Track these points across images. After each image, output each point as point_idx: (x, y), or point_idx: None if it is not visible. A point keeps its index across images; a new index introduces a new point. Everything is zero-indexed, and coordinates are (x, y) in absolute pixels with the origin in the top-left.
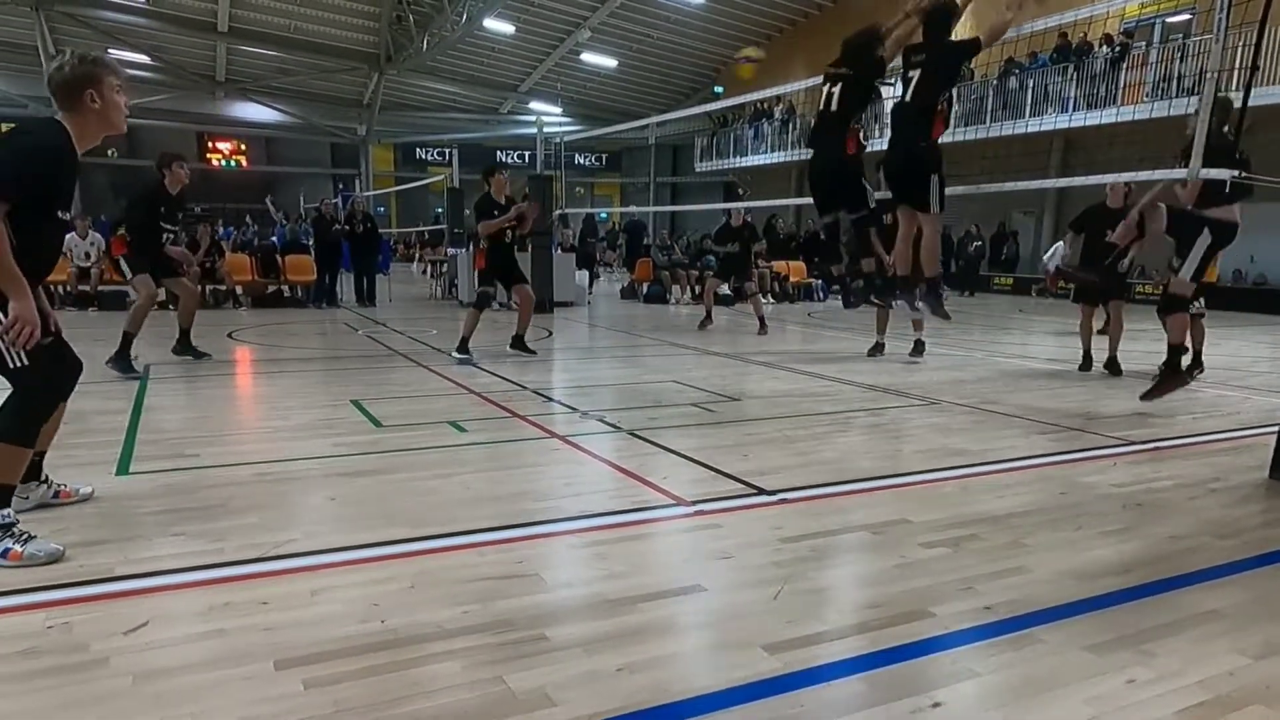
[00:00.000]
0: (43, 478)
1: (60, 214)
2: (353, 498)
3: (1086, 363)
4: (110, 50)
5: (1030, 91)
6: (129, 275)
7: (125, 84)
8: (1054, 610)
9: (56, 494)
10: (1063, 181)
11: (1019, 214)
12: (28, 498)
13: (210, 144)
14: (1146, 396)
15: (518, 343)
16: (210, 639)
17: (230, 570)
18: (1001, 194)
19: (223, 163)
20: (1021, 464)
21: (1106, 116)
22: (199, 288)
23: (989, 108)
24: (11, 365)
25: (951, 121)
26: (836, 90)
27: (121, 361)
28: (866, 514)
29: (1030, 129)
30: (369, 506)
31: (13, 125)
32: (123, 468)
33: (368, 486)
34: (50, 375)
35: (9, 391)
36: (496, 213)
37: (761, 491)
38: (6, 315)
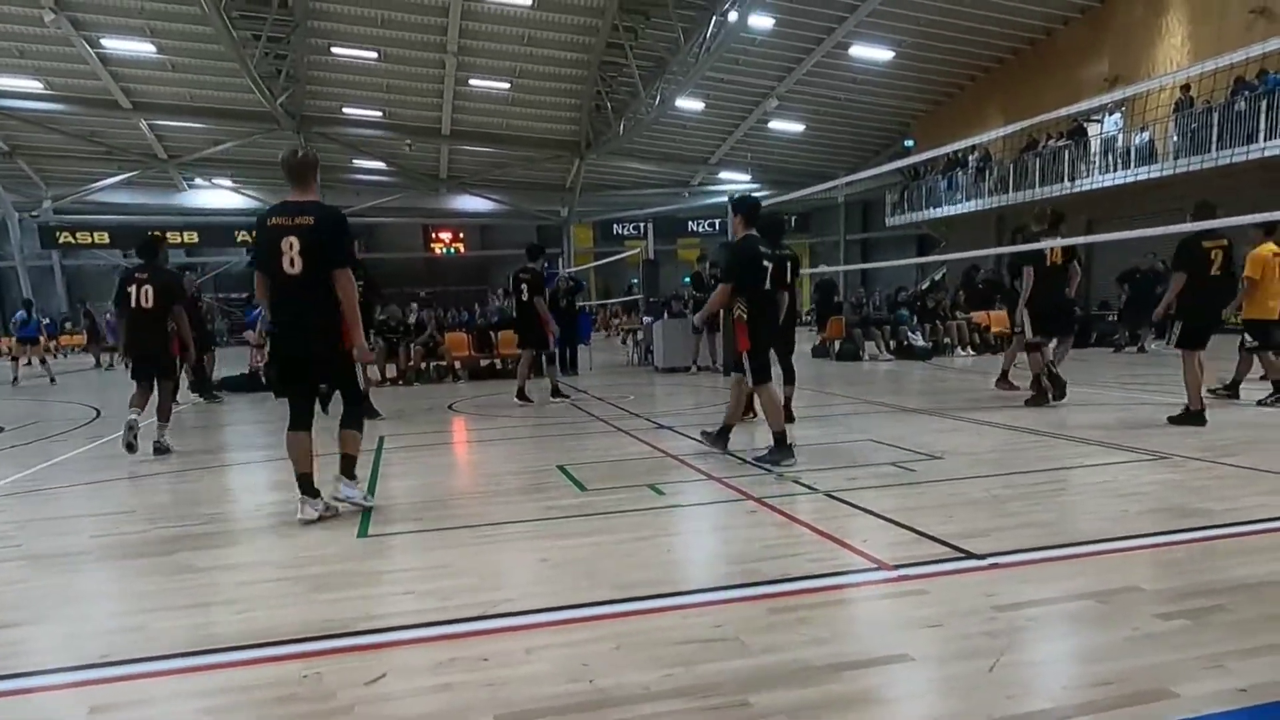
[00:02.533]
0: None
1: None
2: (561, 559)
3: None
4: (353, 159)
5: (1264, 114)
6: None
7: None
8: None
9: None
10: None
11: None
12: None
13: (434, 234)
14: None
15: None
16: (439, 693)
17: (454, 628)
18: (1227, 228)
19: (444, 250)
20: (1274, 525)
21: None
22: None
23: (1213, 135)
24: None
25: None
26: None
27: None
28: (1090, 581)
29: (1268, 153)
30: (576, 568)
31: (330, 215)
32: (363, 530)
33: (575, 548)
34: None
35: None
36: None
37: (970, 555)
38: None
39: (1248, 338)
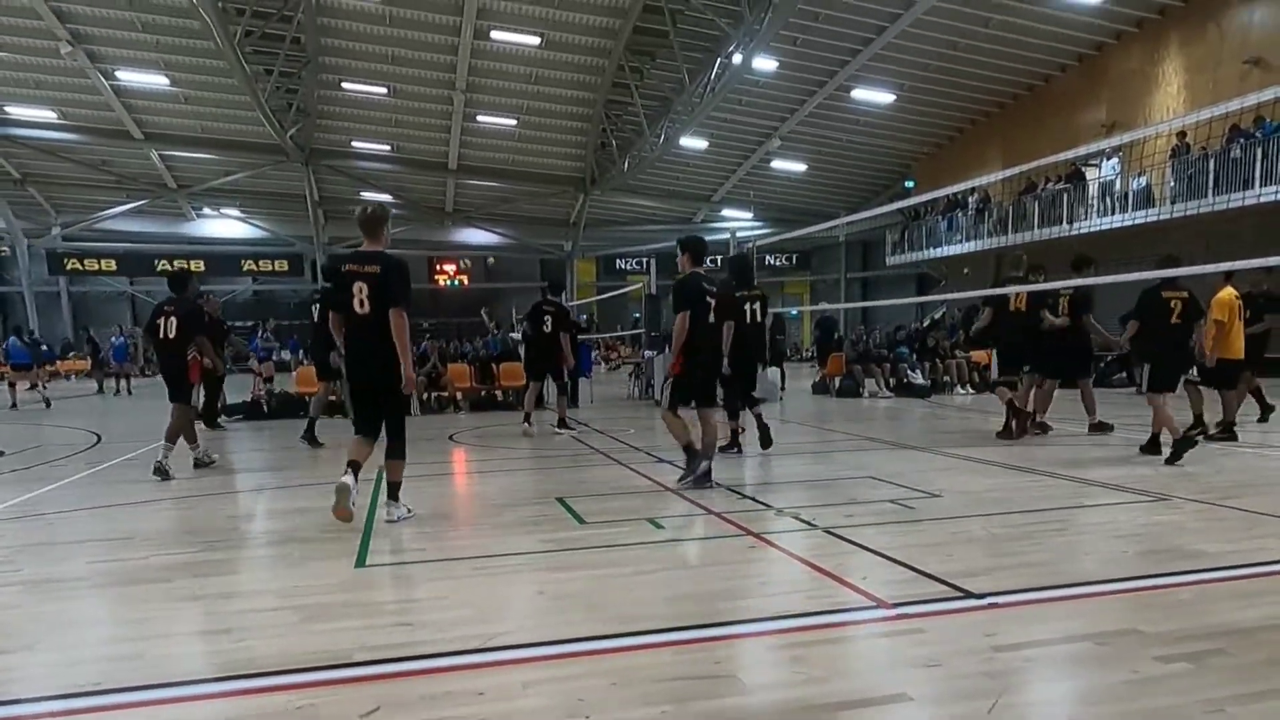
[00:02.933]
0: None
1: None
2: (559, 592)
3: None
4: (361, 192)
5: (1259, 162)
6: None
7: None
8: None
9: (409, 511)
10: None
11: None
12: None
13: (438, 266)
14: None
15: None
16: None
17: (450, 660)
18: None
19: (448, 282)
20: (1274, 569)
21: None
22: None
23: (1209, 180)
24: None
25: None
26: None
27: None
28: (1089, 622)
29: (1264, 199)
30: (574, 601)
31: (394, 262)
32: (361, 560)
33: (572, 582)
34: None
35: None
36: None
37: (968, 595)
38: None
39: (1193, 373)
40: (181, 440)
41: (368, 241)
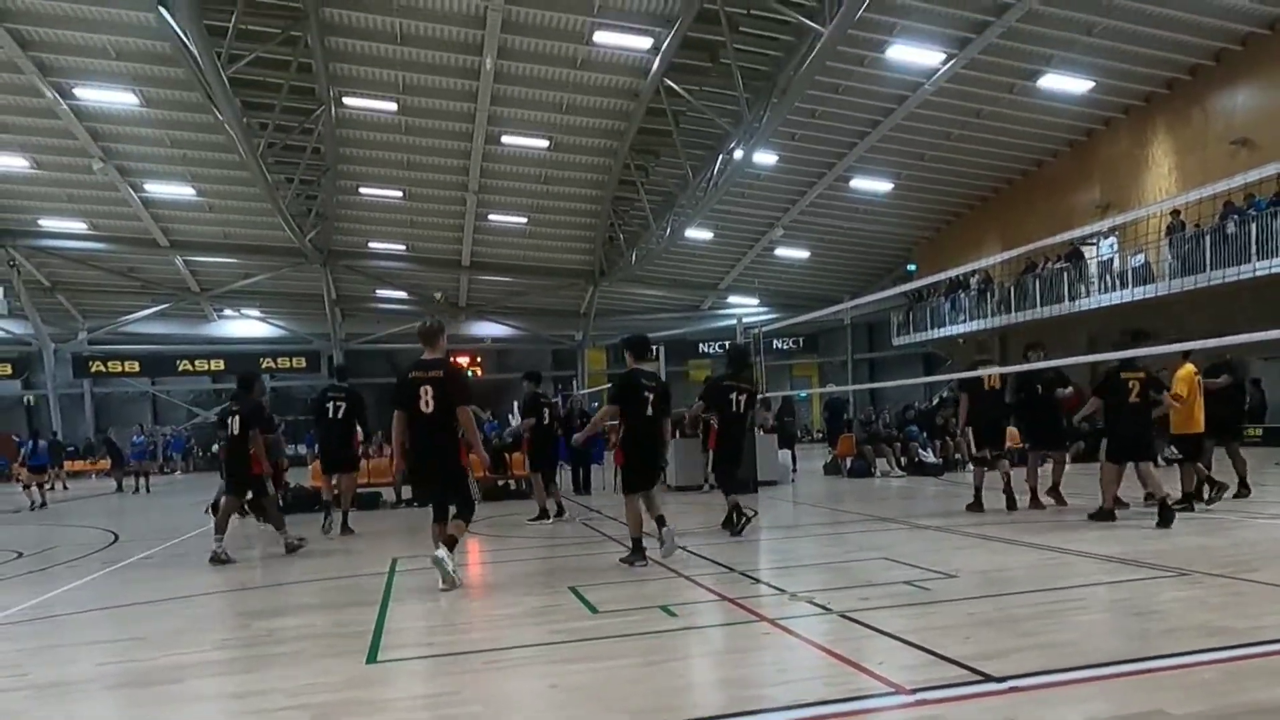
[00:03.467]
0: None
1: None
2: (571, 685)
3: None
4: (377, 290)
5: (1255, 236)
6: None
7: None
8: None
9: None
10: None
11: (1259, 361)
12: (451, 562)
13: (452, 358)
14: None
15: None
16: None
17: None
18: (1234, 344)
19: None
20: None
21: None
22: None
23: (1207, 256)
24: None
25: (1167, 273)
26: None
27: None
28: (1114, 703)
29: (1259, 272)
30: (586, 694)
31: (453, 369)
32: (372, 656)
33: (585, 673)
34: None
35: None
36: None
37: (989, 678)
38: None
39: (1172, 449)
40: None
41: (428, 350)
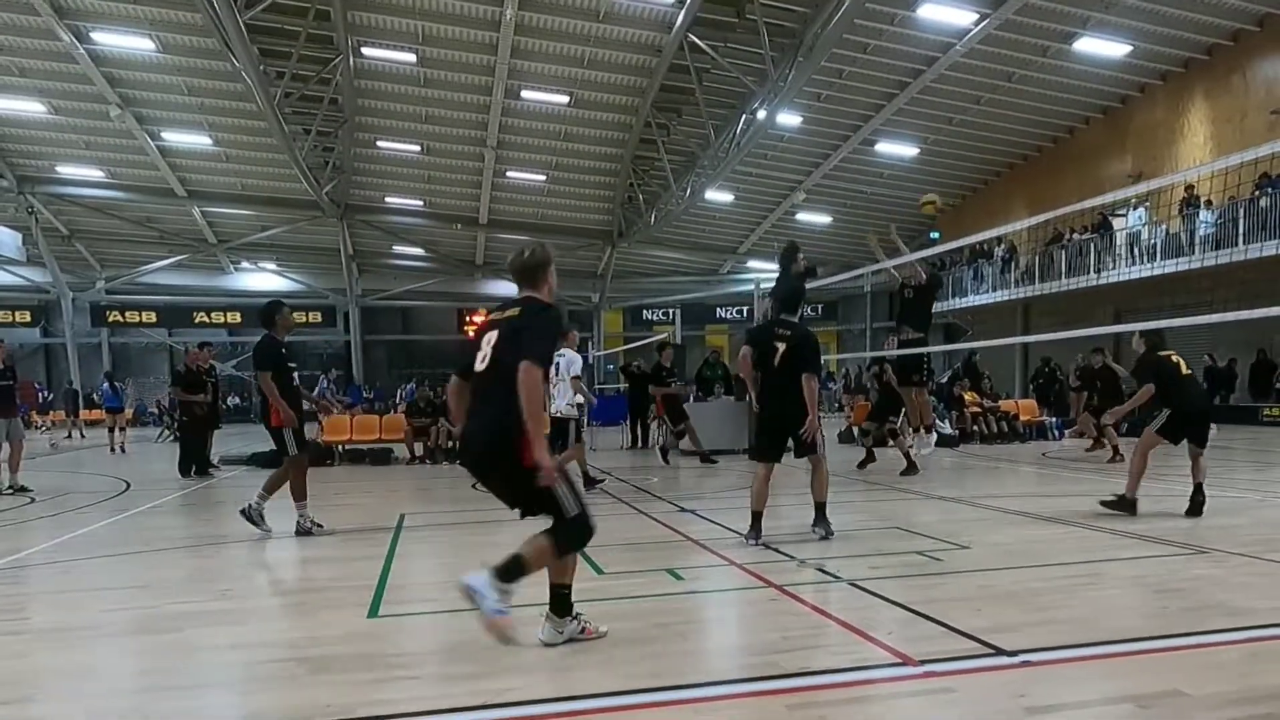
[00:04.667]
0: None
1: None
2: (573, 647)
3: None
4: (394, 246)
5: None
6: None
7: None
8: None
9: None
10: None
11: None
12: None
13: (468, 318)
14: None
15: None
16: None
17: (456, 717)
18: (1263, 320)
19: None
20: None
21: None
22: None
23: (1241, 230)
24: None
25: (1198, 247)
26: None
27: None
28: (1130, 683)
29: None
30: (588, 655)
31: (539, 307)
32: (373, 610)
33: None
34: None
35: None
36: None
37: (1000, 652)
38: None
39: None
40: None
41: (525, 292)
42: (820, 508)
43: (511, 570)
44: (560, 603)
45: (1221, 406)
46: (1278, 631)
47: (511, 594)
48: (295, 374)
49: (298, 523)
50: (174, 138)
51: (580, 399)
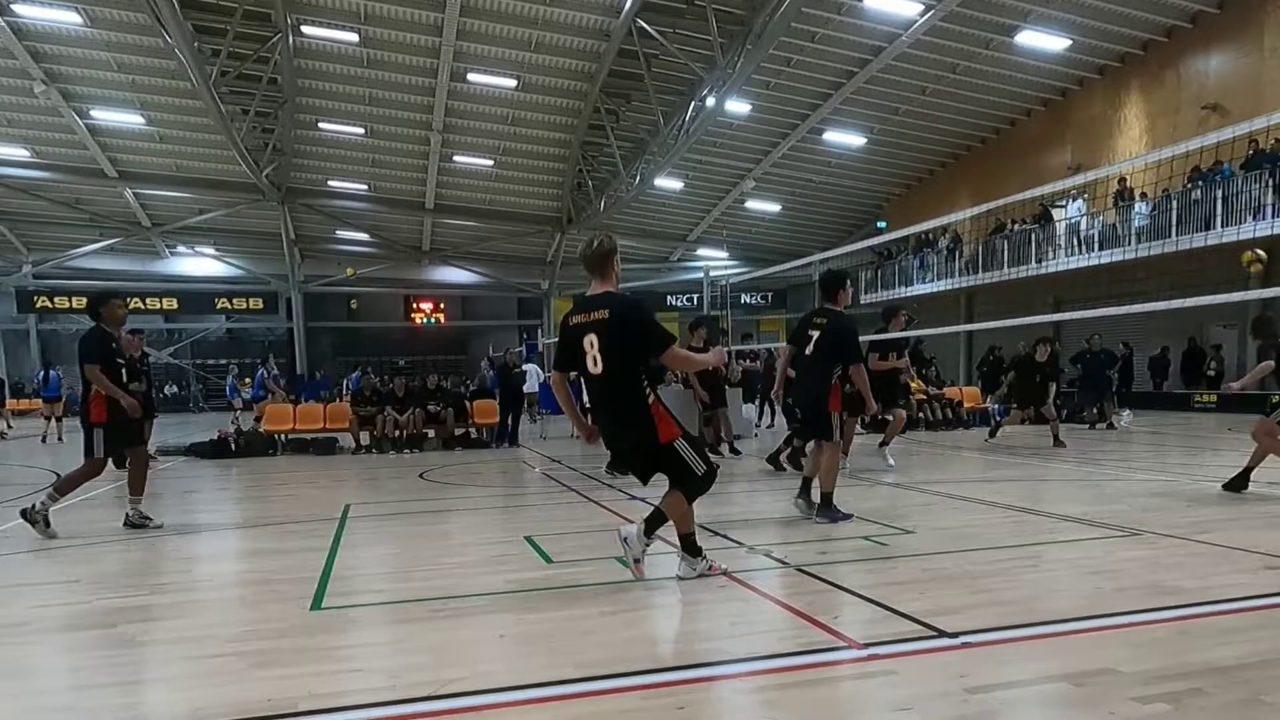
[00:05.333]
0: (703, 554)
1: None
2: (521, 635)
3: None
4: (337, 231)
5: (1220, 202)
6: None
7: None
8: None
9: (710, 567)
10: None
11: (1218, 327)
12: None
13: (415, 304)
14: None
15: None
16: None
17: (400, 709)
18: (1195, 309)
19: (424, 320)
20: (1251, 604)
21: None
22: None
23: (1173, 220)
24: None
25: (1133, 238)
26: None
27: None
28: (1065, 662)
29: (1225, 239)
30: (536, 645)
31: (626, 303)
32: (317, 603)
33: (536, 624)
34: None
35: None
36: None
37: (941, 634)
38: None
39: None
40: None
41: (596, 283)
42: (825, 497)
43: (653, 522)
44: (689, 546)
45: (1155, 393)
46: (1205, 610)
47: (652, 542)
48: (124, 370)
49: (127, 514)
50: (104, 116)
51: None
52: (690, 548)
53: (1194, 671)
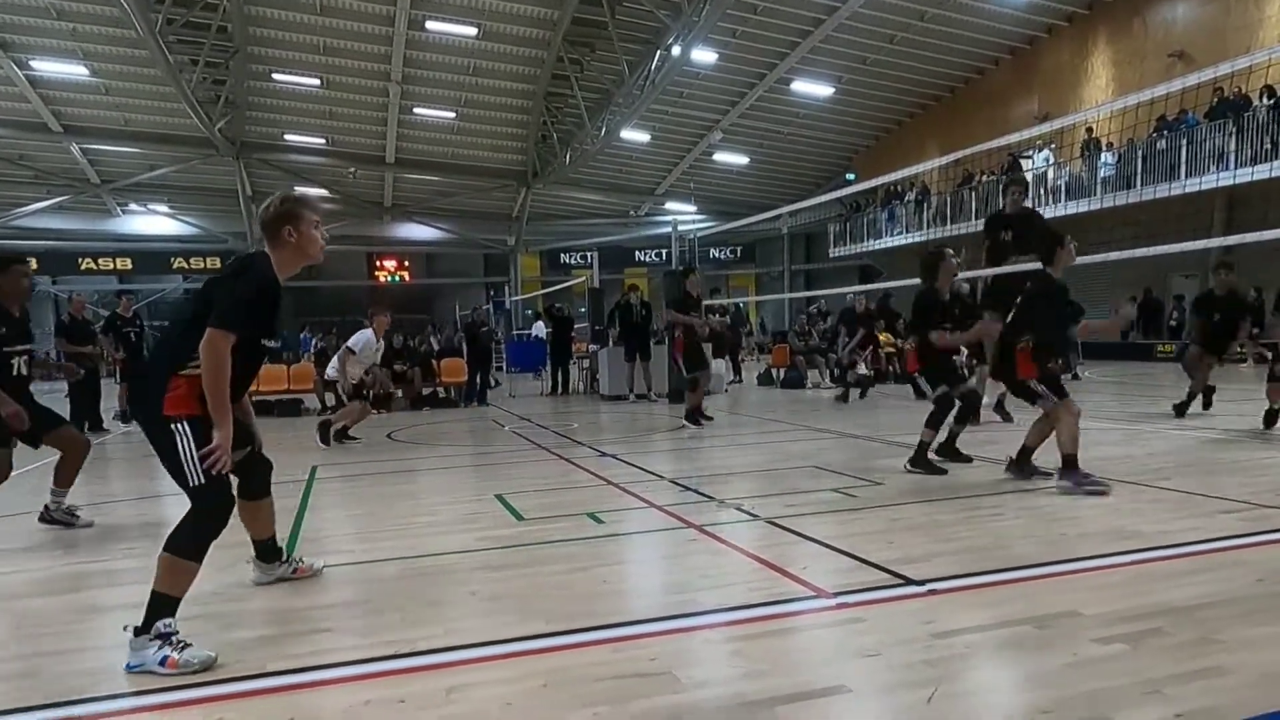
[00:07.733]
0: (284, 557)
1: (265, 341)
2: (492, 592)
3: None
4: (295, 187)
5: (1184, 151)
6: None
7: (322, 219)
8: None
9: (295, 570)
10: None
11: (1180, 277)
12: (271, 575)
13: (378, 262)
14: None
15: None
16: None
17: (371, 667)
18: (1156, 259)
19: (389, 278)
20: (1206, 548)
21: (1276, 170)
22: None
23: (1138, 169)
24: (191, 483)
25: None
26: None
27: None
28: (1028, 605)
29: (1189, 189)
30: (507, 601)
31: (234, 259)
32: None
33: (507, 580)
34: (223, 500)
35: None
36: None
37: (909, 581)
38: (203, 440)
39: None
40: None
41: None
42: (1068, 460)
43: None
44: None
45: (1118, 344)
46: (1162, 553)
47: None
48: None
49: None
50: (45, 67)
51: None
52: (172, 607)
53: (1152, 612)
